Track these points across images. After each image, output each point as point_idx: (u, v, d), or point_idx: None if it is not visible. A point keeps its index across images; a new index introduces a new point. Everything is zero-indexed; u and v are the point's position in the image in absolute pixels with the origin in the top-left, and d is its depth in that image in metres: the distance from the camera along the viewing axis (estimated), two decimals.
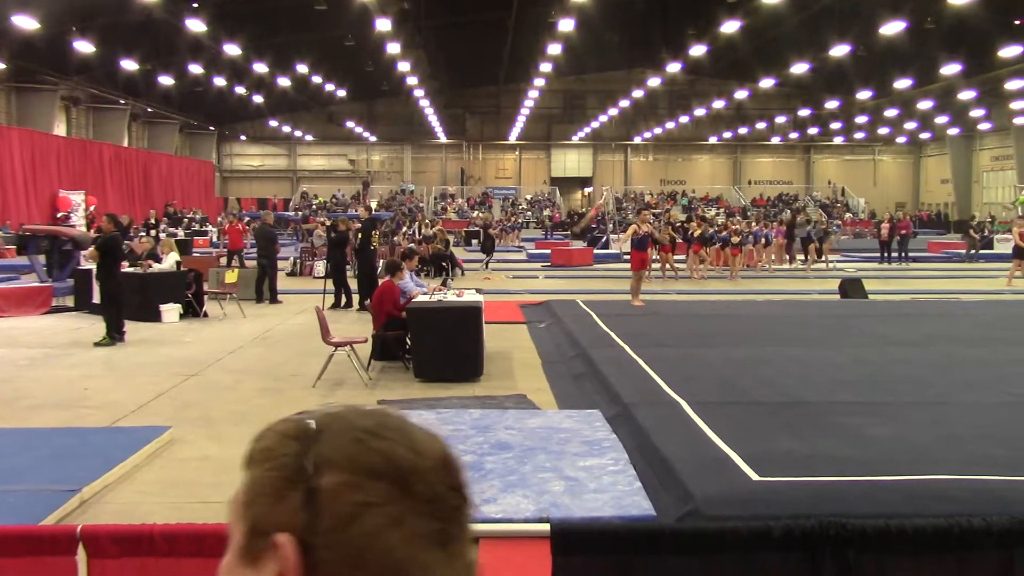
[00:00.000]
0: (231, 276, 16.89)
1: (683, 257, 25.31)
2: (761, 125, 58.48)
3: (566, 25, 29.73)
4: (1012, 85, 43.47)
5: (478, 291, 12.00)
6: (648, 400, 8.03)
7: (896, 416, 7.40)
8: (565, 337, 12.51)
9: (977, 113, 53.72)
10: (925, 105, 50.91)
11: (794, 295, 19.44)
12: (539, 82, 43.51)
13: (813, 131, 60.37)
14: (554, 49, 33.93)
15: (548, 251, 31.41)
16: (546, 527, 3.72)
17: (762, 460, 6.07)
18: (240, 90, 43.12)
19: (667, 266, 23.93)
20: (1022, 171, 53.56)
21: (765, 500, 5.45)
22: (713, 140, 61.27)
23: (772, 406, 7.83)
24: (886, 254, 29.36)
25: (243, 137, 59.67)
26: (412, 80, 40.83)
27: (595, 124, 57.85)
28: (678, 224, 29.51)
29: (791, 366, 9.77)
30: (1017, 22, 35.05)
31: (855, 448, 6.44)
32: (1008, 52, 36.77)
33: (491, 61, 46.78)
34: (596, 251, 31.56)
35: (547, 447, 6.95)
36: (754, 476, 5.84)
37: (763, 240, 27.13)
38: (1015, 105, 49.22)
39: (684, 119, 55.59)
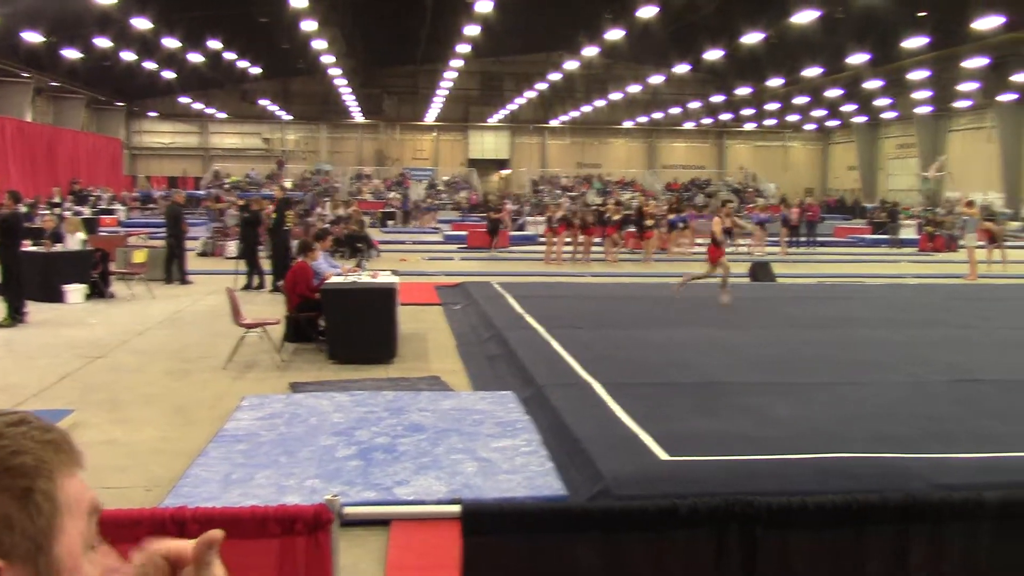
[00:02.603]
0: (139, 256, 16.47)
1: (600, 240, 25.53)
2: (675, 110, 59.20)
3: (484, 6, 29.59)
4: (914, 75, 44.82)
5: (394, 273, 11.91)
6: (561, 381, 8.08)
7: (803, 396, 7.59)
8: (480, 319, 12.51)
9: (882, 102, 55.21)
10: (834, 93, 52.16)
11: (706, 278, 19.71)
12: (457, 63, 43.26)
13: (726, 117, 61.31)
14: (472, 30, 33.77)
15: (465, 233, 31.36)
16: (458, 508, 3.71)
17: (672, 440, 6.17)
18: (150, 65, 41.91)
19: (581, 249, 24.10)
20: (924, 158, 55.36)
21: (675, 479, 5.55)
22: (629, 124, 61.81)
23: (683, 387, 7.96)
24: (794, 238, 30.04)
25: (153, 114, 58.07)
26: (328, 59, 40.20)
27: (513, 106, 57.82)
28: (595, 207, 29.72)
29: (703, 348, 9.94)
30: (921, 14, 36.07)
31: (764, 427, 6.58)
32: (911, 43, 37.86)
33: (409, 41, 46.37)
34: (512, 233, 31.61)
35: (460, 429, 6.95)
36: (664, 455, 5.93)
37: (680, 224, 27.50)
38: (917, 95, 50.76)
39: (600, 103, 55.95)
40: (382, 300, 10.10)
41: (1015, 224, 40.88)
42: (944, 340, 10.72)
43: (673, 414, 6.94)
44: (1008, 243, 24.87)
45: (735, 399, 7.44)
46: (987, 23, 33.70)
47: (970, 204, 24.04)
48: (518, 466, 6.11)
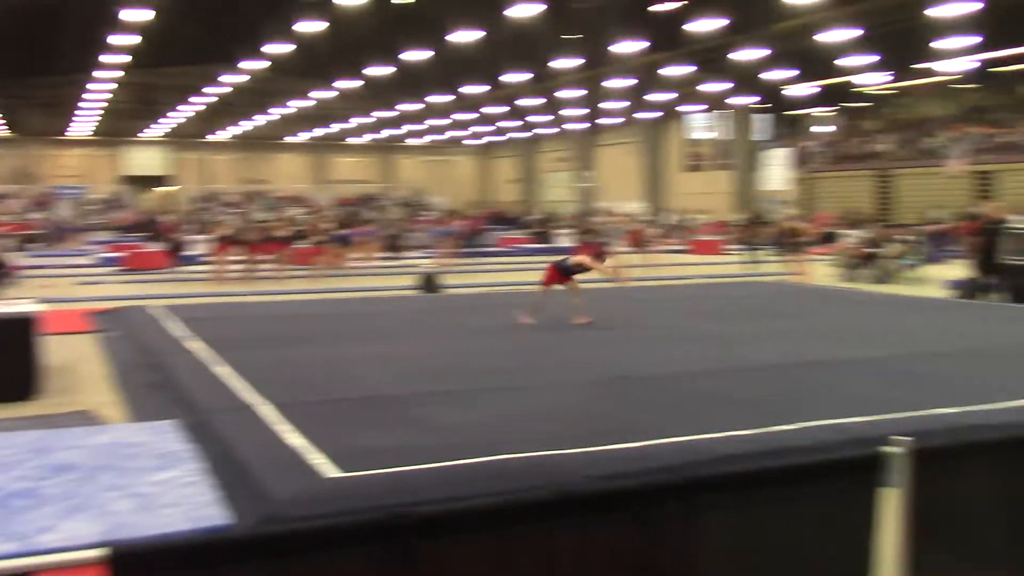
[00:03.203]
0: None
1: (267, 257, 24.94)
2: (344, 125, 59.28)
3: (133, 15, 28.02)
4: (565, 94, 47.92)
5: (37, 300, 10.90)
6: (227, 406, 7.76)
7: (473, 402, 7.80)
8: (139, 345, 11.76)
9: (540, 118, 58.52)
10: (496, 110, 54.57)
11: (378, 291, 19.89)
12: (108, 74, 40.64)
13: (394, 132, 62.24)
14: (122, 39, 31.87)
15: (123, 254, 29.43)
16: (106, 551, 3.43)
17: (342, 456, 6.10)
18: None
19: (250, 266, 23.44)
20: (577, 171, 59.30)
21: (345, 496, 5.47)
22: (296, 139, 61.07)
23: (353, 402, 7.92)
24: (462, 249, 31.07)
25: None
26: None
27: (171, 121, 55.20)
28: (262, 224, 29.03)
29: (374, 362, 9.95)
30: (572, 37, 38.68)
31: (434, 436, 6.68)
32: (562, 64, 40.49)
33: (51, 49, 42.88)
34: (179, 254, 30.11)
35: (115, 464, 6.45)
36: (334, 473, 5.85)
37: (351, 239, 27.51)
38: (570, 112, 54.28)
39: (266, 117, 54.85)
40: (17, 331, 9.20)
41: (655, 231, 44.79)
42: (596, 340, 11.49)
43: (343, 430, 6.87)
44: (653, 248, 27.16)
45: (406, 410, 7.51)
46: (629, 47, 36.80)
47: (617, 213, 26.01)
48: (179, 499, 5.76)
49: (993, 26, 31.60)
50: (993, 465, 3.75)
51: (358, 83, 44.79)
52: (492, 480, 5.57)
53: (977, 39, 32.29)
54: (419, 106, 53.57)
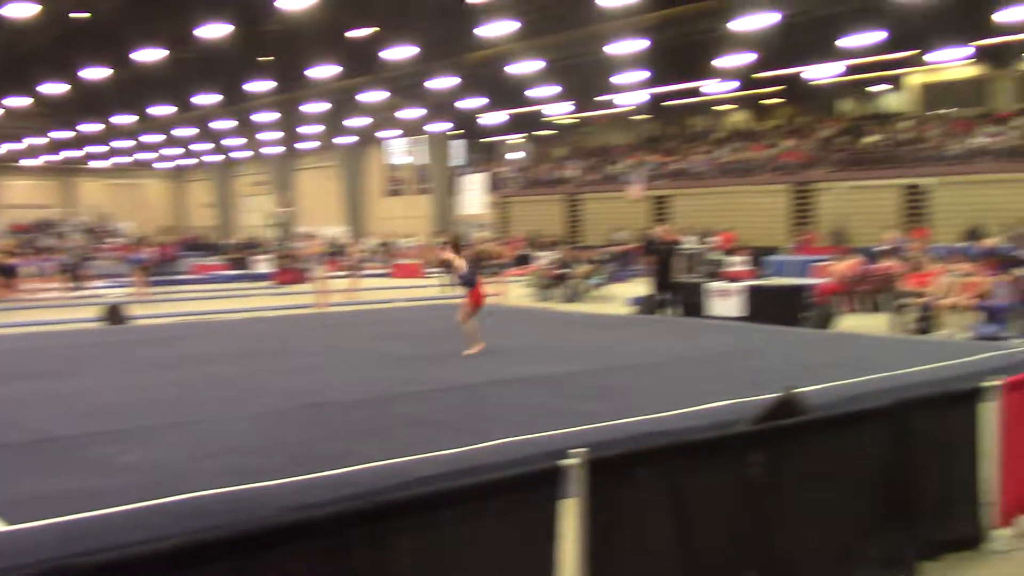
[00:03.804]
0: None
1: None
2: (17, 146, 54.63)
3: None
4: (261, 117, 46.92)
5: None
6: None
7: (155, 439, 7.37)
8: None
9: (235, 141, 56.88)
10: (187, 132, 52.39)
11: (57, 324, 18.40)
12: None
13: (75, 154, 58.22)
14: None
15: None
16: None
17: (7, 507, 5.56)
18: None
19: None
20: (276, 196, 58.16)
21: (11, 550, 4.99)
22: None
23: (18, 447, 7.24)
24: (152, 277, 29.50)
25: None
26: None
27: None
28: None
29: (43, 401, 9.17)
30: (265, 59, 37.90)
31: (113, 477, 6.24)
32: (256, 87, 39.63)
33: None
34: None
35: None
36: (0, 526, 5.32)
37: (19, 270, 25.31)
38: (266, 136, 53.18)
39: None
40: None
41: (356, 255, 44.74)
42: (294, 368, 11.26)
43: (6, 478, 6.28)
44: (353, 273, 27.05)
45: (80, 452, 6.97)
46: (324, 71, 36.67)
47: (318, 238, 25.73)
48: None
49: (661, 63, 34.53)
50: (660, 470, 4.03)
51: (29, 100, 41.46)
52: (181, 520, 5.28)
53: (647, 74, 35.12)
54: (100, 127, 50.38)
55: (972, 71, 35.86)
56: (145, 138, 54.61)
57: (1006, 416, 5.52)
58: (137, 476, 6.29)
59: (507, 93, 41.44)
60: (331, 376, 10.65)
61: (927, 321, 15.10)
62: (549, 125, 51.11)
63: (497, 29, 29.90)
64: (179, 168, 68.13)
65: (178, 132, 52.03)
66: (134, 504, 5.62)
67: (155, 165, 65.77)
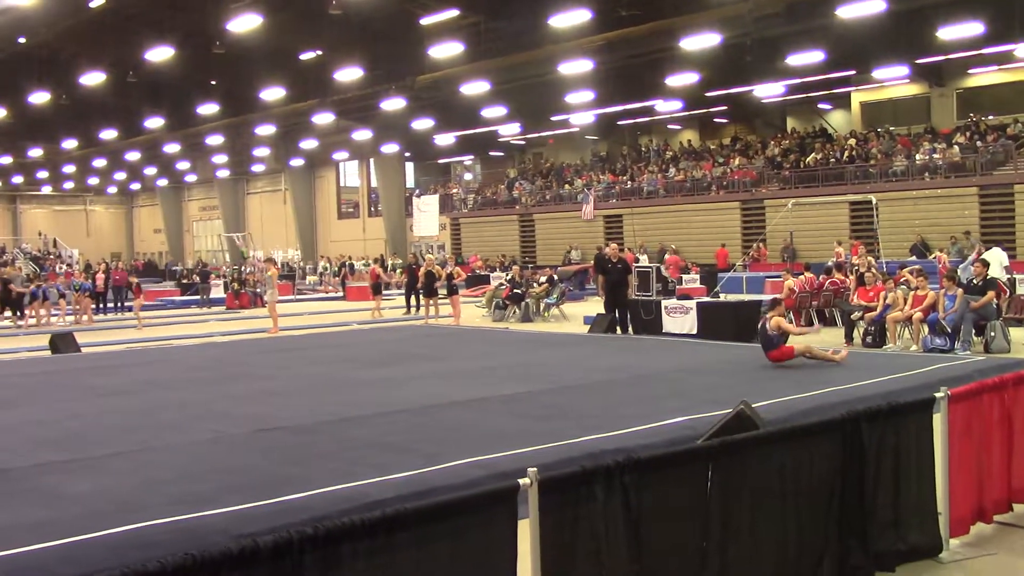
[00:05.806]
0: None
1: None
2: None
3: None
4: (210, 140, 46.45)
5: None
6: None
7: (102, 468, 7.22)
8: None
9: (183, 165, 56.27)
10: (133, 156, 51.70)
11: (3, 354, 17.99)
12: None
13: (18, 180, 57.27)
14: None
15: None
16: None
17: None
18: None
19: None
20: (227, 220, 57.57)
21: None
22: None
23: None
24: (102, 304, 29.02)
25: None
26: None
27: None
28: None
29: None
30: (213, 82, 37.60)
31: (58, 509, 6.09)
32: (206, 110, 39.27)
33: None
34: None
35: None
36: None
37: None
38: (215, 159, 52.69)
39: None
40: None
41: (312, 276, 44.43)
42: (247, 393, 11.11)
43: None
44: (307, 295, 26.83)
45: (24, 483, 6.81)
46: (272, 94, 36.47)
47: (271, 261, 25.44)
48: None
49: (611, 83, 34.82)
50: (613, 488, 4.02)
51: None
52: (123, 552, 5.16)
53: (597, 94, 35.38)
54: (45, 151, 49.63)
55: (913, 89, 36.60)
56: (92, 163, 53.89)
57: (953, 427, 5.61)
58: (84, 506, 6.15)
59: (459, 114, 41.49)
60: (284, 400, 10.52)
61: (876, 335, 15.30)
62: (502, 146, 51.24)
63: (447, 50, 29.96)
64: (125, 192, 67.27)
65: (126, 156, 51.39)
66: (76, 537, 5.48)
67: (101, 190, 64.91)
